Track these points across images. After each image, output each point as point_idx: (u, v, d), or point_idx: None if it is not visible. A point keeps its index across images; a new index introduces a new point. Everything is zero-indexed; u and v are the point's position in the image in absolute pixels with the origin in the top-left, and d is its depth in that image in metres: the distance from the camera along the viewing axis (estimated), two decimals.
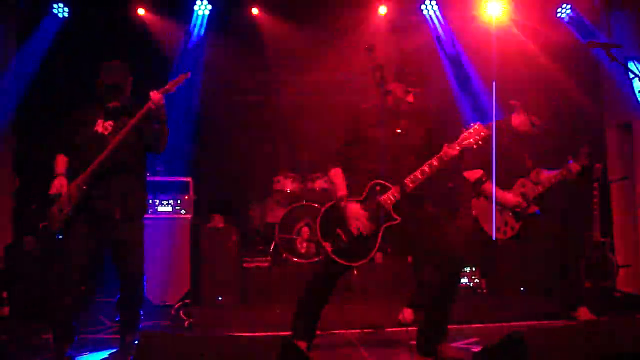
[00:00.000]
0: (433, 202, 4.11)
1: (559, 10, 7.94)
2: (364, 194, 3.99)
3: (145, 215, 4.50)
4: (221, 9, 8.04)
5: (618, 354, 2.85)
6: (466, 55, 8.32)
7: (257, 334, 5.11)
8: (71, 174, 4.28)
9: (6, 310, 6.03)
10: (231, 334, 4.73)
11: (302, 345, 4.05)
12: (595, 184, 6.42)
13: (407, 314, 5.16)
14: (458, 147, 3.91)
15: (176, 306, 6.19)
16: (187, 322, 5.53)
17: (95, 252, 4.27)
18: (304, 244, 7.53)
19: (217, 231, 7.08)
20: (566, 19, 7.92)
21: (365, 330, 5.02)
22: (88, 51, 7.09)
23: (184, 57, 8.06)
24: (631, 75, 4.24)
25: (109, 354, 4.40)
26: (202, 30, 8.11)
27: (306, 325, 4.17)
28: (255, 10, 8.13)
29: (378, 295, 6.73)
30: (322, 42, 8.12)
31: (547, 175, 5.19)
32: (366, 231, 3.92)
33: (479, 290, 7.12)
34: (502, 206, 5.03)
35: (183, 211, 6.92)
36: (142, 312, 4.48)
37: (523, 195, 5.04)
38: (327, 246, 3.94)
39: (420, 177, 3.91)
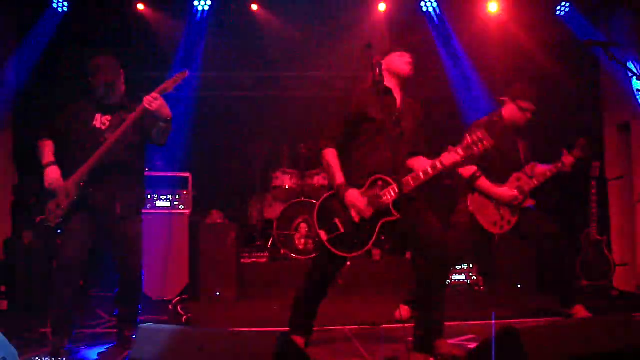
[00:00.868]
0: (425, 198, 4.10)
1: (559, 8, 7.94)
2: (365, 186, 3.97)
3: (144, 210, 4.53)
4: (221, 4, 8.04)
5: (612, 352, 2.87)
6: (465, 51, 8.32)
7: (254, 329, 5.13)
8: (68, 170, 4.28)
9: (4, 304, 6.05)
10: (229, 329, 4.74)
11: (300, 340, 4.05)
12: (593, 182, 6.44)
13: (404, 310, 5.17)
14: (462, 154, 3.91)
15: (174, 301, 6.21)
16: (184, 317, 5.54)
17: (93, 247, 4.28)
18: (302, 240, 7.55)
19: (215, 227, 7.09)
20: (565, 17, 7.92)
21: (362, 327, 5.03)
22: (87, 46, 7.09)
23: (183, 53, 8.07)
24: (630, 75, 4.23)
25: (106, 348, 4.41)
26: (202, 26, 8.11)
27: (303, 320, 4.17)
28: (254, 6, 8.13)
29: (375, 292, 6.75)
30: (322, 39, 8.13)
31: (542, 169, 5.20)
32: (366, 217, 3.89)
33: (476, 288, 7.16)
34: (498, 201, 5.05)
35: (182, 206, 6.94)
36: (140, 307, 4.50)
37: (519, 188, 5.05)
38: (323, 235, 3.91)
39: (422, 177, 3.91)
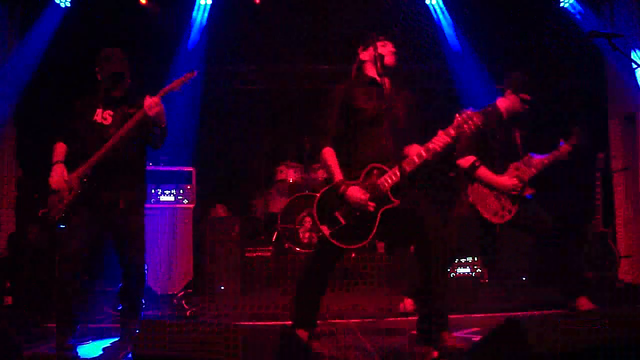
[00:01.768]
0: (425, 190, 4.08)
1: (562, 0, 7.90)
2: (361, 177, 3.96)
3: (148, 205, 4.53)
4: None
5: (617, 344, 2.85)
6: (468, 45, 8.30)
7: (258, 323, 5.15)
8: (70, 164, 4.29)
9: (9, 299, 6.06)
10: (233, 322, 4.74)
11: (303, 334, 4.05)
12: (598, 174, 6.42)
13: (408, 303, 5.16)
14: (453, 133, 3.88)
15: (178, 295, 6.22)
16: (188, 312, 5.55)
17: (97, 241, 4.29)
18: (306, 234, 7.55)
19: (219, 221, 7.09)
20: (569, 9, 7.88)
21: (366, 320, 5.03)
22: (90, 41, 7.08)
23: (187, 47, 8.06)
24: (634, 66, 4.21)
25: (110, 343, 4.43)
26: (205, 19, 8.10)
27: (306, 314, 4.16)
28: None
29: (379, 285, 6.75)
30: (325, 32, 8.11)
31: (539, 159, 5.18)
32: (370, 210, 3.87)
33: (481, 280, 7.14)
34: (498, 190, 5.03)
35: (186, 201, 6.93)
36: (143, 301, 4.50)
37: (518, 177, 5.03)
38: (325, 229, 3.90)
39: (417, 161, 3.89)
